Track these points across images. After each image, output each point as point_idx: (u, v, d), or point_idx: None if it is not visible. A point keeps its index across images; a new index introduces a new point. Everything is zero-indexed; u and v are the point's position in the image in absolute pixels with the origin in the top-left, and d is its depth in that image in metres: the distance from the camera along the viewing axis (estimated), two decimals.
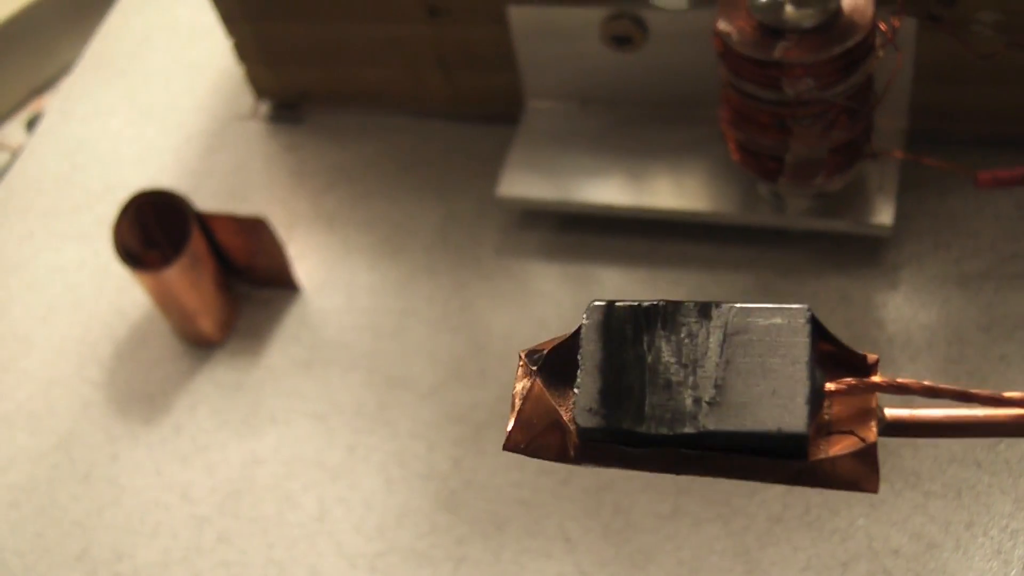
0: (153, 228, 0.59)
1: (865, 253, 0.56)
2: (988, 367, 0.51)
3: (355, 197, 0.65)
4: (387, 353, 0.57)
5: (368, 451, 0.54)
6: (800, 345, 0.24)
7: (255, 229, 0.58)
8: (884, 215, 0.55)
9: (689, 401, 0.24)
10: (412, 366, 0.56)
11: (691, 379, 0.24)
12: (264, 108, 0.71)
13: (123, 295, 0.63)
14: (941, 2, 0.53)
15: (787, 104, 0.50)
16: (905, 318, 0.54)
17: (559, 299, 0.58)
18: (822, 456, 0.24)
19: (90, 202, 0.68)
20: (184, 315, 0.59)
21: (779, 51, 0.48)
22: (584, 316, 0.26)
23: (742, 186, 0.57)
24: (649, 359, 0.24)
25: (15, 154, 0.74)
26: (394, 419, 0.54)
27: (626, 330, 0.25)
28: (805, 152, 0.52)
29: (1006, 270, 0.54)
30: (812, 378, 0.24)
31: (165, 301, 0.59)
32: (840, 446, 0.24)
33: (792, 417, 0.23)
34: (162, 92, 0.74)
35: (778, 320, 0.24)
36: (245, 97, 0.71)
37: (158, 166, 0.69)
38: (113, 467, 0.56)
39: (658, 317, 0.25)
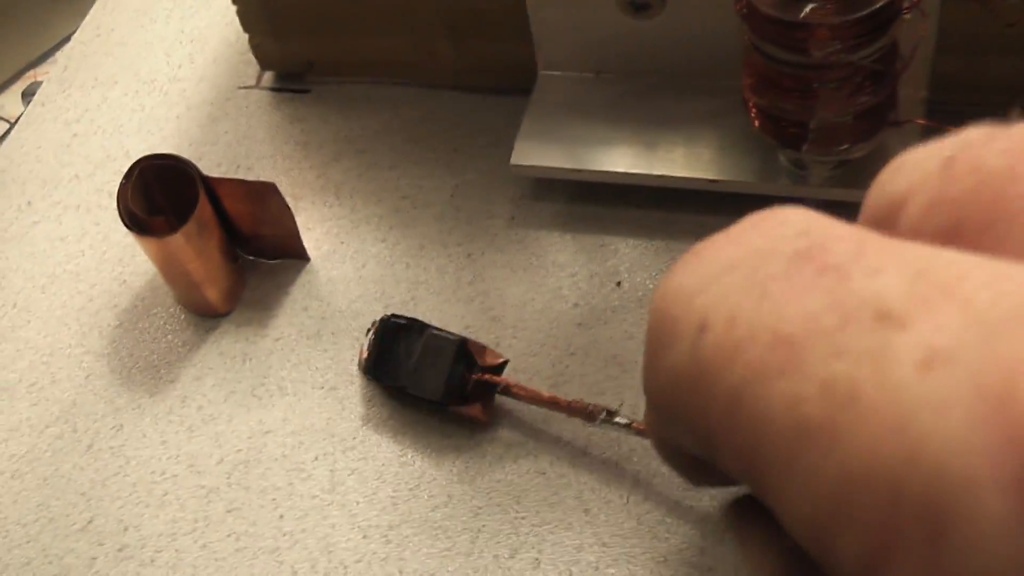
0: (158, 195, 0.58)
1: None
2: None
3: (363, 168, 0.64)
4: None
5: (380, 422, 0.53)
6: (448, 356, 0.51)
7: (263, 195, 0.57)
8: None
9: (404, 373, 0.52)
10: None
11: (407, 363, 0.52)
12: (269, 78, 0.69)
13: (125, 265, 0.61)
14: None
15: (813, 68, 0.49)
16: None
17: (574, 270, 0.57)
18: (458, 408, 0.51)
19: (91, 171, 0.67)
20: (190, 284, 0.57)
21: (805, 13, 0.47)
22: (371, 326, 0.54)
23: (761, 156, 0.56)
24: (401, 349, 0.52)
25: (12, 124, 0.73)
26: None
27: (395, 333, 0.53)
28: (830, 117, 0.51)
29: None
30: (451, 371, 0.50)
31: (170, 270, 0.57)
32: (472, 407, 0.51)
33: (436, 387, 0.51)
34: (163, 62, 0.72)
35: (447, 342, 0.51)
36: (249, 67, 0.70)
37: (160, 136, 0.68)
38: (117, 438, 0.54)
39: (403, 330, 0.53)
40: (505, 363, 0.52)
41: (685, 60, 0.59)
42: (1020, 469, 0.12)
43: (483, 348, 0.52)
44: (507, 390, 0.51)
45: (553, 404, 0.50)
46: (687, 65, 0.59)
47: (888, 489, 0.13)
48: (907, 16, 0.50)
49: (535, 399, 0.50)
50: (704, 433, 0.16)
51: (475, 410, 0.51)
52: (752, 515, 0.19)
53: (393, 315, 0.54)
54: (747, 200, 0.58)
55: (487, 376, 0.51)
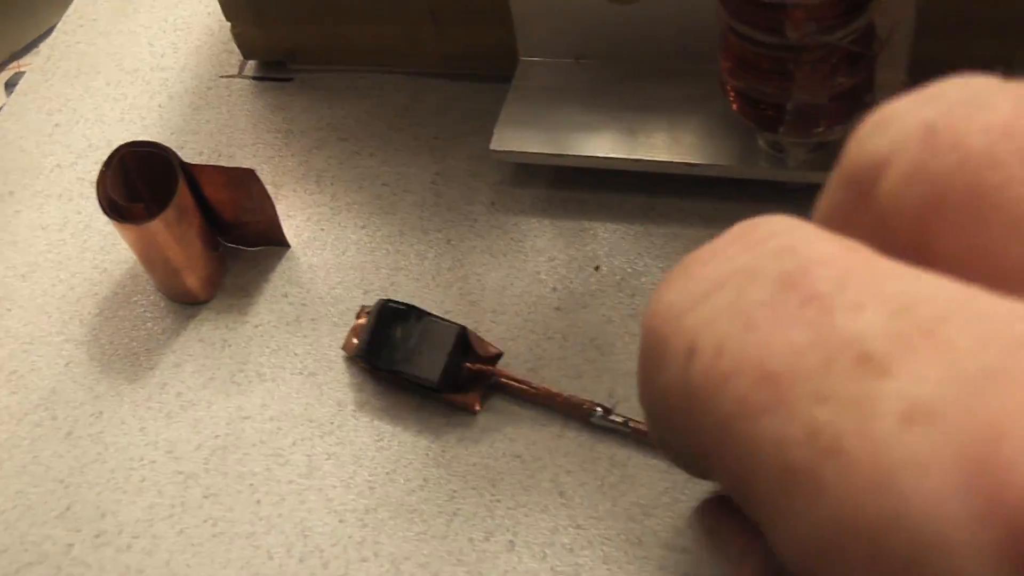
0: (138, 182, 0.58)
1: None
2: None
3: (345, 155, 0.64)
4: None
5: (358, 407, 0.53)
6: (448, 343, 0.51)
7: (243, 181, 0.56)
8: None
9: (400, 357, 0.51)
10: None
11: (404, 347, 0.52)
12: (251, 67, 0.69)
13: (107, 253, 0.61)
14: None
15: (789, 49, 0.49)
16: None
17: (553, 254, 0.57)
18: (454, 396, 0.51)
19: (72, 160, 0.67)
20: (169, 271, 0.57)
21: None
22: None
23: (741, 140, 0.56)
24: (398, 334, 0.52)
25: None
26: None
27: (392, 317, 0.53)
28: (807, 99, 0.51)
29: None
30: (449, 358, 0.50)
31: (150, 257, 0.57)
32: (466, 395, 0.51)
33: (434, 373, 0.50)
34: (146, 52, 0.72)
35: (448, 329, 0.51)
36: (232, 56, 0.70)
37: (142, 125, 0.68)
38: (96, 425, 0.54)
39: (401, 315, 0.53)
40: (499, 355, 0.52)
41: (666, 45, 0.59)
42: (1001, 535, 0.12)
43: (481, 339, 0.52)
44: (501, 382, 0.51)
45: (547, 398, 0.50)
46: (668, 50, 0.59)
47: (870, 545, 0.13)
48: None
49: (529, 392, 0.50)
50: (700, 451, 0.16)
51: (470, 399, 0.51)
52: (731, 511, 0.19)
53: (390, 300, 0.54)
54: (727, 184, 0.58)
55: (483, 366, 0.51)
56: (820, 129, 0.52)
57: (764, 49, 0.50)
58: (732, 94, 0.53)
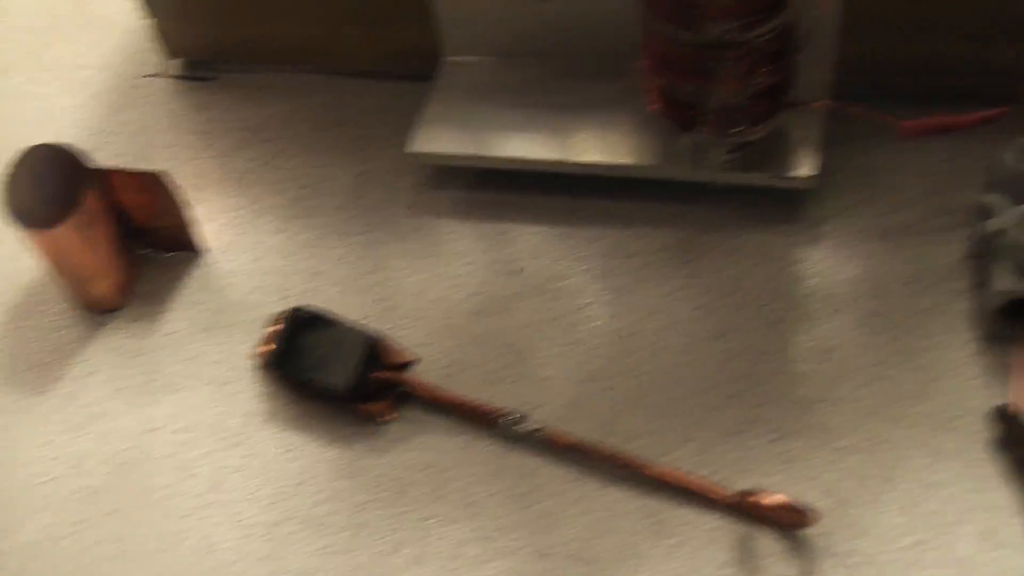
0: (50, 186, 0.56)
1: (787, 208, 0.54)
2: (912, 320, 0.50)
3: (267, 157, 0.63)
4: None
5: (268, 417, 0.51)
6: (358, 352, 0.50)
7: (154, 185, 0.55)
8: (806, 167, 0.53)
9: (310, 366, 0.51)
10: None
11: (314, 355, 0.51)
12: (174, 66, 0.68)
13: (16, 261, 0.59)
14: None
15: (709, 46, 0.48)
16: (827, 272, 0.52)
17: (472, 258, 0.55)
18: (362, 405, 0.50)
19: None
20: (79, 278, 0.56)
21: None
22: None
23: (663, 141, 0.55)
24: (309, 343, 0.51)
25: None
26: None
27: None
28: (726, 97, 0.49)
29: (932, 223, 0.53)
30: (359, 367, 0.50)
31: (59, 263, 0.55)
32: (375, 404, 0.50)
33: (342, 382, 0.50)
34: (67, 49, 0.71)
35: (359, 337, 0.51)
36: (154, 55, 0.68)
37: (60, 125, 0.66)
38: (1, 440, 0.53)
39: (312, 323, 0.52)
40: (413, 362, 0.51)
41: (589, 44, 0.58)
42: None
43: (394, 347, 0.51)
44: (410, 390, 0.50)
45: (459, 407, 0.49)
46: (591, 49, 0.58)
47: None
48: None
49: (438, 400, 0.49)
50: None
51: (381, 408, 0.50)
52: None
53: (301, 308, 0.53)
54: (649, 184, 0.56)
55: (392, 375, 0.50)
56: (740, 128, 0.50)
57: (683, 48, 0.48)
58: (652, 94, 0.52)
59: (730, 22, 0.47)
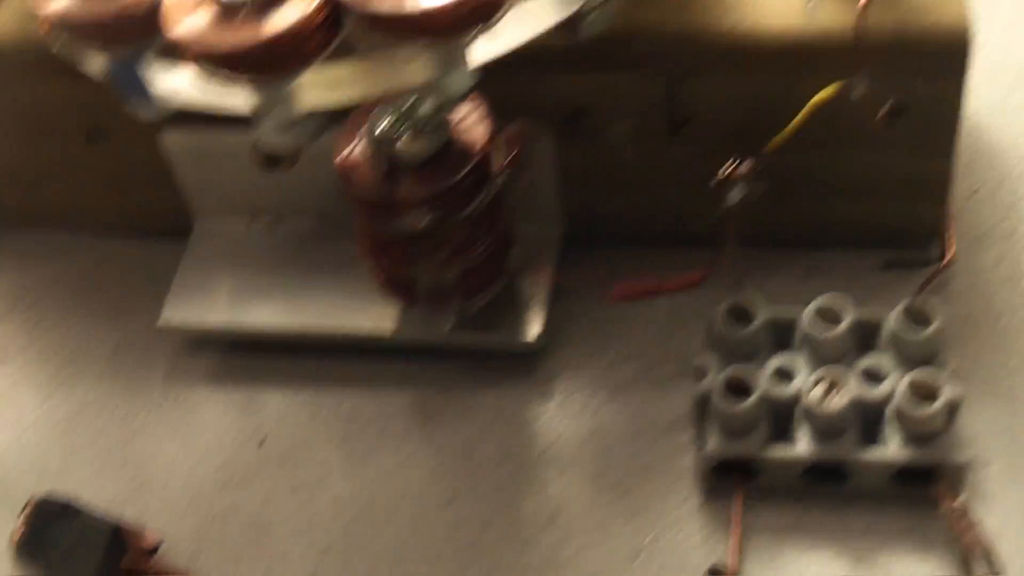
0: None
1: (520, 364, 0.56)
2: (631, 480, 0.52)
3: (32, 323, 0.63)
4: None
5: None
6: (100, 544, 0.50)
7: None
8: (532, 328, 0.55)
9: (55, 557, 0.52)
10: None
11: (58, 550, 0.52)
12: None
13: None
14: (567, 119, 0.53)
15: (410, 235, 0.50)
16: (556, 431, 0.54)
17: (222, 428, 0.57)
18: None
19: None
20: None
21: (393, 188, 0.48)
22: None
23: (399, 305, 0.56)
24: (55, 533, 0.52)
25: None
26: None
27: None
28: (436, 279, 0.51)
29: (654, 374, 0.55)
30: (101, 561, 0.50)
31: None
32: None
33: None
34: None
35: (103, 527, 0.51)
36: None
37: None
38: None
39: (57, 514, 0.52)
40: (158, 546, 0.52)
41: (330, 205, 0.59)
42: None
43: (138, 532, 0.52)
44: None
45: None
46: (332, 209, 0.59)
47: None
48: (504, 177, 0.50)
49: None
50: None
51: None
52: None
53: (47, 497, 0.53)
54: (389, 347, 0.58)
55: (136, 566, 0.51)
56: (455, 303, 0.52)
57: (388, 235, 0.50)
58: (374, 270, 0.54)
59: (426, 214, 0.48)
